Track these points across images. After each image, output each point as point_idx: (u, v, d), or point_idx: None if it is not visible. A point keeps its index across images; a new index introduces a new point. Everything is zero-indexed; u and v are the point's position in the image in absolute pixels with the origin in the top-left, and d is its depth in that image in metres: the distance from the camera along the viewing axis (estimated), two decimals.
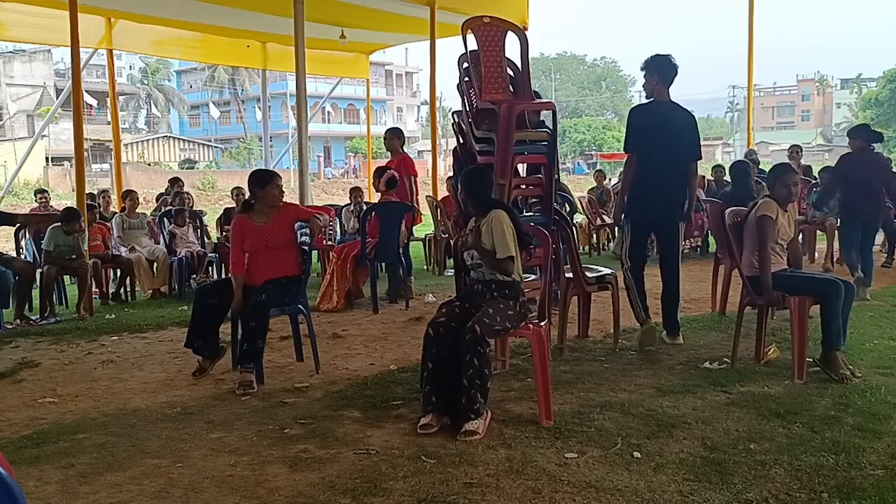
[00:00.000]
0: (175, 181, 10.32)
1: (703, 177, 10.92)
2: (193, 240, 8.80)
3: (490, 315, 3.62)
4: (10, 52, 39.67)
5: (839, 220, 7.84)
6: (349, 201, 9.32)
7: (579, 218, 11.09)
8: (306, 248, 5.00)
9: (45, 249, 7.32)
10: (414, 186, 8.05)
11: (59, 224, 7.29)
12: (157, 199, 11.05)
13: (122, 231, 8.57)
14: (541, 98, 5.81)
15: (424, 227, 10.67)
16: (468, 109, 5.23)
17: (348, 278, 7.20)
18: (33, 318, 7.00)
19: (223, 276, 8.78)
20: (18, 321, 6.83)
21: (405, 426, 3.70)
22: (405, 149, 8.28)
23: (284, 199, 4.91)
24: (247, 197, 5.09)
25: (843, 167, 7.25)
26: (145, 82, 50.33)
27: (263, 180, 4.77)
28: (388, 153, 8.25)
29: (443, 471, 3.11)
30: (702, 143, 5.64)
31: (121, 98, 38.06)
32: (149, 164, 38.37)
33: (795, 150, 10.79)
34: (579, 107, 67.43)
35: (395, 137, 8.08)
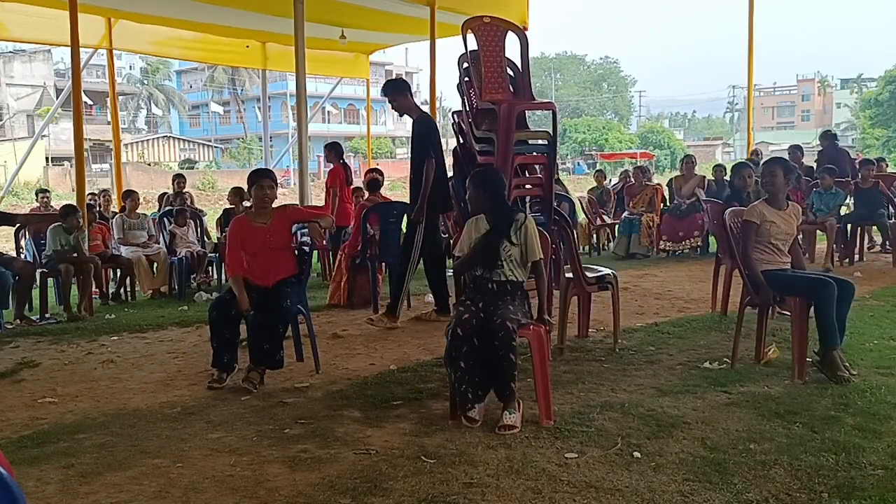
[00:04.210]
0: (178, 177, 10.28)
1: (704, 177, 10.93)
2: (193, 240, 8.81)
3: (512, 311, 3.71)
4: (10, 52, 39.67)
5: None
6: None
7: (579, 218, 11.08)
8: (307, 248, 5.01)
9: (53, 250, 7.31)
10: (339, 196, 8.73)
11: (59, 223, 7.30)
12: (160, 199, 10.99)
13: (123, 231, 8.57)
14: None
15: None
16: (468, 109, 5.24)
17: (344, 273, 7.25)
18: (33, 318, 7.01)
19: (223, 275, 8.79)
20: (18, 321, 6.83)
21: (405, 426, 3.70)
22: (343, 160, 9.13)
23: (283, 201, 4.89)
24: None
25: (819, 160, 10.61)
26: (145, 82, 50.33)
27: (253, 179, 4.73)
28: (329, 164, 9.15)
29: (443, 471, 3.11)
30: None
31: (120, 98, 38.05)
32: (149, 164, 38.37)
33: (795, 151, 10.79)
34: (580, 107, 67.44)
35: (330, 151, 8.97)
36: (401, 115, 6.30)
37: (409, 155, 6.21)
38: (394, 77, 6.59)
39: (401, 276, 6.15)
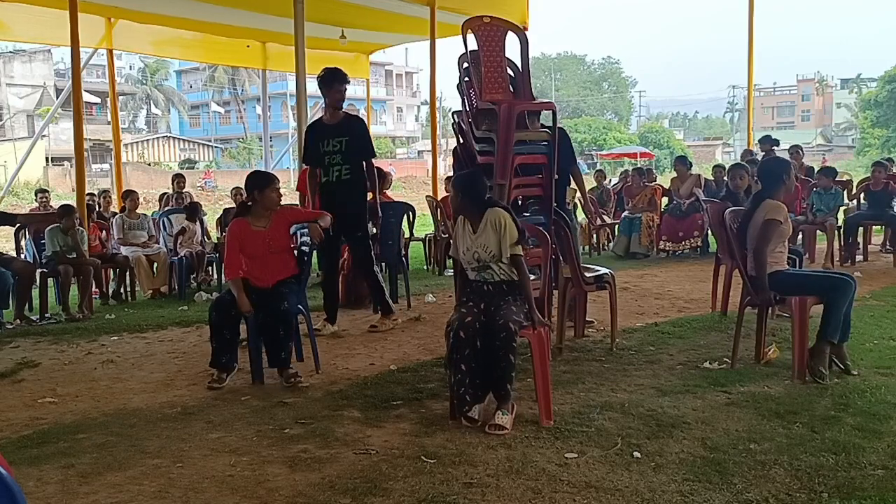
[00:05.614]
0: (177, 177, 10.26)
1: (700, 175, 10.93)
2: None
3: (514, 312, 3.70)
4: (10, 52, 39.66)
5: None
6: None
7: (579, 218, 11.07)
8: (307, 248, 5.00)
9: (53, 251, 7.30)
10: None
11: (56, 224, 7.30)
12: (160, 199, 10.99)
13: (123, 231, 8.58)
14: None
15: (424, 227, 10.67)
16: (468, 109, 5.23)
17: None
18: (33, 318, 7.01)
19: (223, 275, 8.79)
20: (18, 321, 6.83)
21: (405, 426, 3.71)
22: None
23: (282, 202, 4.89)
24: (244, 198, 5.04)
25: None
26: (145, 82, 50.31)
27: (262, 183, 4.70)
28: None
29: (443, 471, 3.12)
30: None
31: (120, 98, 38.03)
32: (149, 164, 38.36)
33: (796, 151, 10.79)
34: (580, 107, 67.46)
35: None
36: (333, 106, 5.97)
37: (336, 157, 5.83)
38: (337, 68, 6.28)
39: (375, 283, 6.18)
